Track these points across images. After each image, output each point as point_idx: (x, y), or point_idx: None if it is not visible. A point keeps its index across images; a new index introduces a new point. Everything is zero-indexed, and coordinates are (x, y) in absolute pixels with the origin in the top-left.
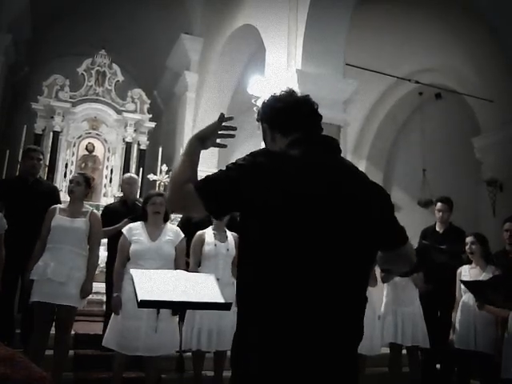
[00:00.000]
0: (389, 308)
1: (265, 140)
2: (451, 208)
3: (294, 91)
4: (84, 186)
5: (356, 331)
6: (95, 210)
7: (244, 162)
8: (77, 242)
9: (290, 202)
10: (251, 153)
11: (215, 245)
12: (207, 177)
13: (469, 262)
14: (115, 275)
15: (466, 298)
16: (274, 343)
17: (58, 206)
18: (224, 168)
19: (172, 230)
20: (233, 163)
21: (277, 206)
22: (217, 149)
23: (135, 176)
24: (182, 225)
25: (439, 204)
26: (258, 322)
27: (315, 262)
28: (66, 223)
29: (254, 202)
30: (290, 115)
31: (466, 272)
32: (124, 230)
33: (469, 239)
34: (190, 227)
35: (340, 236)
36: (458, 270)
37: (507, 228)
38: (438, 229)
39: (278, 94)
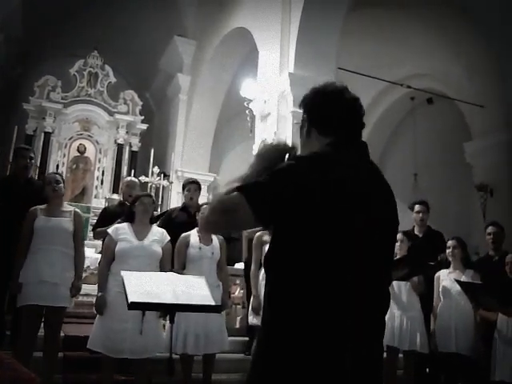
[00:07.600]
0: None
1: (301, 129)
2: (429, 210)
3: (346, 89)
4: (63, 184)
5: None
6: (77, 209)
7: (286, 167)
8: (65, 243)
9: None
10: (288, 161)
11: (200, 248)
12: (255, 182)
13: (446, 266)
14: (100, 275)
15: (445, 302)
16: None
17: (38, 207)
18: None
19: (158, 231)
20: (274, 170)
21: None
22: (208, 153)
23: (136, 180)
24: (163, 226)
25: (418, 206)
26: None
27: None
28: (53, 224)
29: (304, 204)
30: (335, 118)
31: (445, 276)
32: (109, 230)
33: (450, 243)
34: (171, 228)
35: (375, 239)
36: (436, 275)
37: (490, 231)
38: (417, 232)
39: (329, 90)
